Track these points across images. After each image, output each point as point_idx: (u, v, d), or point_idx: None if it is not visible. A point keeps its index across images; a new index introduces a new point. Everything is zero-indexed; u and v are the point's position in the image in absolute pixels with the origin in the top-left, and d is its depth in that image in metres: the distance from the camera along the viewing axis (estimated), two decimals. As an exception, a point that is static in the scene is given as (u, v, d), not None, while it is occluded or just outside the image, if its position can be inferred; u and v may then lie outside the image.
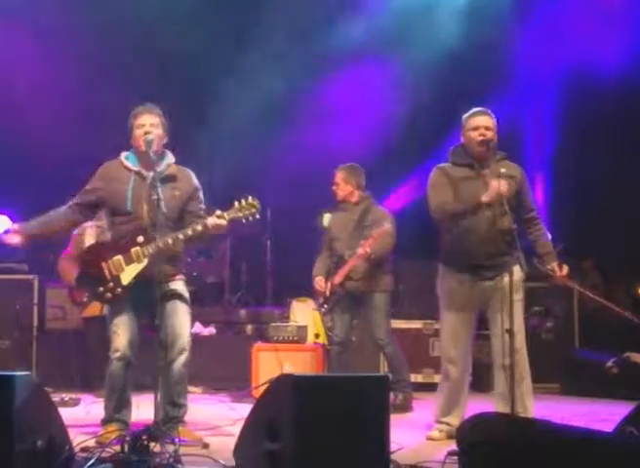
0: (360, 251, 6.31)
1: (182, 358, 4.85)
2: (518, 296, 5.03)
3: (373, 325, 6.55)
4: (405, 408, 6.43)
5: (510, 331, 4.69)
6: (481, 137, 5.01)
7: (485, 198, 4.90)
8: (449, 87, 9.08)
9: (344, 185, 6.63)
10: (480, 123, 5.05)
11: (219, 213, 4.73)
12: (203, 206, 4.98)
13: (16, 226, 4.91)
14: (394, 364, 6.63)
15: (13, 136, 8.53)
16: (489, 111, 5.14)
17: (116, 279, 4.81)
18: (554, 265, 5.12)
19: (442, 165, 5.21)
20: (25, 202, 8.05)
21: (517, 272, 5.03)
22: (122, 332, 4.84)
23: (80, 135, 8.51)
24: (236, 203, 4.74)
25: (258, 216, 4.75)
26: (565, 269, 5.12)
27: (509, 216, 4.83)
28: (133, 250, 4.80)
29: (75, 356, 7.39)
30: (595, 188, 9.25)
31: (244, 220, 4.74)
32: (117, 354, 4.83)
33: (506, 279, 4.76)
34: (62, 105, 8.50)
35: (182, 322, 4.88)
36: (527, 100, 9.42)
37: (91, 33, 8.72)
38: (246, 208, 4.72)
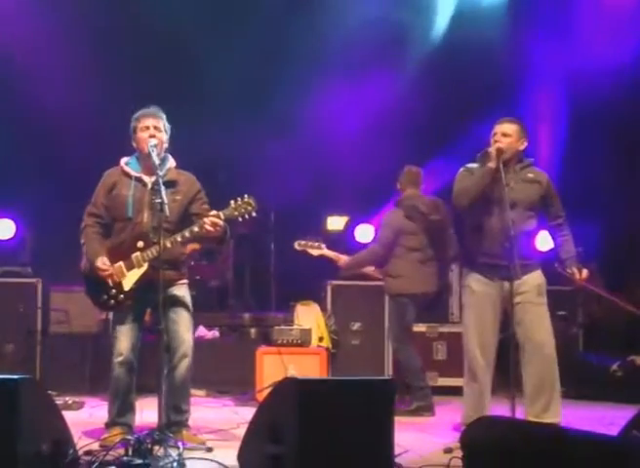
0: None
1: (185, 364, 4.86)
2: (543, 300, 5.12)
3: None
4: (418, 414, 6.37)
5: (513, 334, 4.78)
6: (497, 144, 5.09)
7: (492, 164, 4.99)
8: (451, 94, 9.06)
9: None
10: (497, 129, 5.15)
11: (214, 212, 4.74)
12: (207, 206, 4.97)
13: (105, 262, 4.82)
14: (402, 369, 6.66)
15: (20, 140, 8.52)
16: (515, 119, 5.20)
17: (118, 285, 4.83)
18: (574, 269, 5.19)
19: (468, 165, 5.28)
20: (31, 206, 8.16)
21: (539, 276, 5.15)
22: (124, 337, 4.86)
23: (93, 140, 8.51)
24: (232, 202, 4.73)
25: (254, 214, 4.73)
26: (585, 273, 5.18)
27: (529, 220, 5.07)
28: (133, 255, 4.81)
29: (80, 359, 7.38)
30: (600, 196, 9.22)
31: (240, 219, 4.73)
32: (120, 358, 4.84)
33: (528, 283, 4.89)
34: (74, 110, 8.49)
35: (185, 328, 4.89)
36: (532, 107, 9.38)
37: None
38: (242, 206, 4.71)
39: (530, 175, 5.16)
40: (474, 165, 5.24)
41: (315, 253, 6.55)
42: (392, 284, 6.57)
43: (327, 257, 6.65)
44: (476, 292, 5.13)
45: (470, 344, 5.17)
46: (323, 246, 6.58)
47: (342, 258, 6.68)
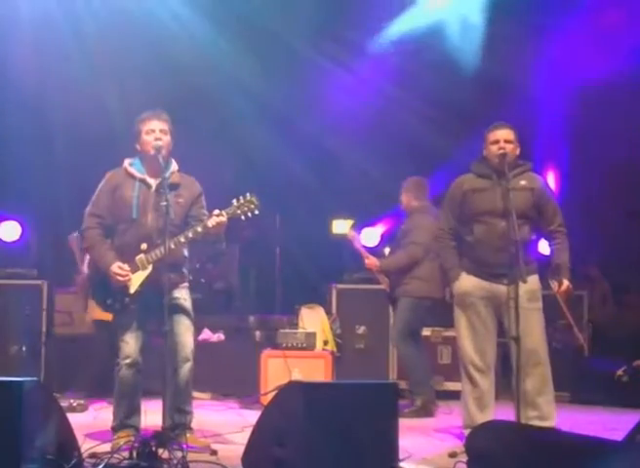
0: None
1: (186, 366, 4.86)
2: (536, 305, 5.08)
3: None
4: (423, 412, 6.46)
5: (517, 339, 4.72)
6: (500, 151, 5.06)
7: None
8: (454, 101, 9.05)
9: None
10: (500, 136, 5.11)
11: (217, 211, 4.73)
12: (205, 211, 4.98)
13: (122, 267, 4.80)
14: (404, 368, 6.77)
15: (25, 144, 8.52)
16: (509, 124, 5.18)
17: (124, 288, 4.83)
18: (554, 281, 5.16)
19: (464, 176, 5.27)
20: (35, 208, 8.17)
21: (534, 281, 5.09)
22: (131, 339, 4.86)
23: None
24: (234, 200, 4.73)
25: (257, 212, 4.73)
26: (564, 285, 5.13)
27: (522, 227, 4.96)
28: (137, 257, 4.81)
29: (83, 361, 7.38)
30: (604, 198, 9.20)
31: (243, 217, 4.72)
32: (128, 360, 4.84)
33: (521, 288, 4.77)
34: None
35: (185, 331, 4.89)
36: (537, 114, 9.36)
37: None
38: (244, 204, 4.71)
39: (522, 183, 5.08)
40: (470, 175, 5.23)
41: (357, 245, 6.95)
42: (419, 286, 6.60)
43: (360, 252, 6.94)
44: (470, 296, 5.12)
45: (466, 349, 5.14)
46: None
47: (372, 259, 6.82)
